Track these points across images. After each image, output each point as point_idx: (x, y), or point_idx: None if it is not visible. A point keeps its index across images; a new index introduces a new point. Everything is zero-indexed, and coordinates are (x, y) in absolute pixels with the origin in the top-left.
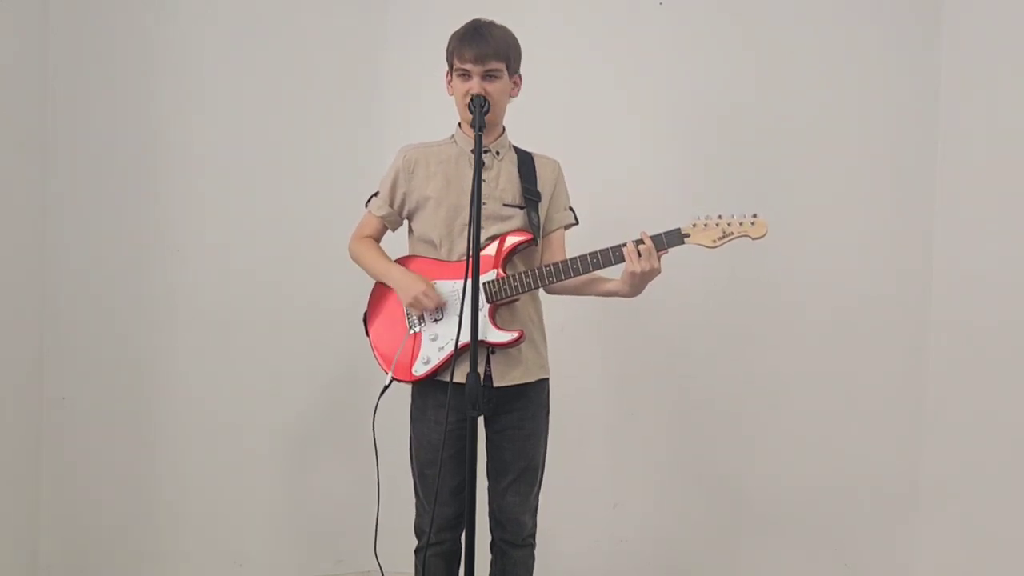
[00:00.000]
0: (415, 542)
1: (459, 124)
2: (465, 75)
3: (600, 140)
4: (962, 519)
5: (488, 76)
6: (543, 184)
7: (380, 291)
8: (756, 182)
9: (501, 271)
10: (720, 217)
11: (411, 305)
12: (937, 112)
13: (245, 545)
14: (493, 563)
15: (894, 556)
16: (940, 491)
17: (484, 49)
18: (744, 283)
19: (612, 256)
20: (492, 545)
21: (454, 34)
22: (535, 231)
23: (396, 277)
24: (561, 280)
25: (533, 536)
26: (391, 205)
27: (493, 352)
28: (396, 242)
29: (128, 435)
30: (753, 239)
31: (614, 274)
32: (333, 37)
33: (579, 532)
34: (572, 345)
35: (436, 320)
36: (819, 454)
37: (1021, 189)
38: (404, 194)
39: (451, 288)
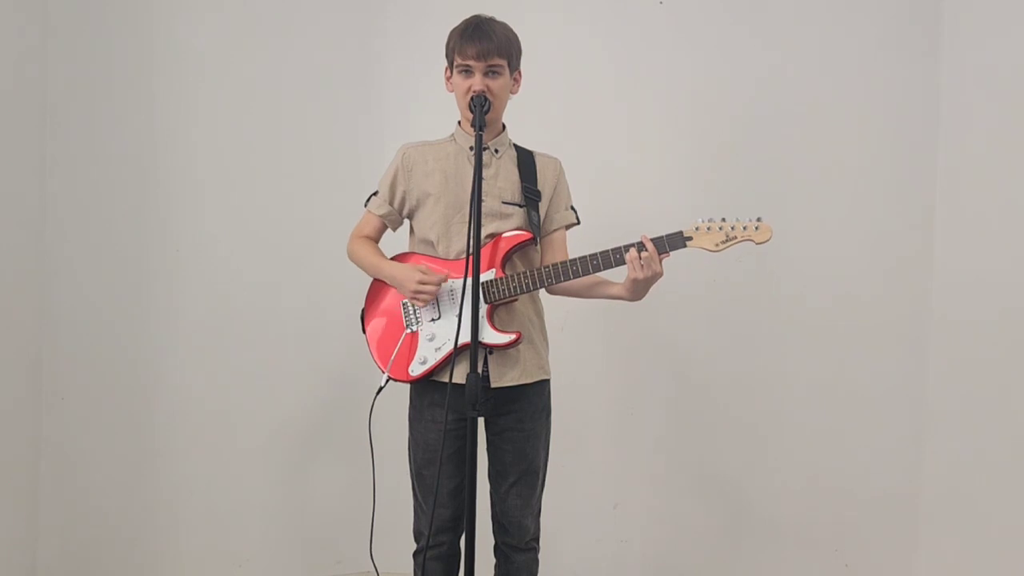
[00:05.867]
0: (414, 544)
1: (459, 121)
2: (467, 71)
3: (600, 139)
4: (963, 519)
5: (490, 72)
6: (543, 183)
7: (377, 288)
8: (756, 180)
9: (500, 271)
10: (724, 220)
11: (413, 299)
12: (937, 112)
13: (245, 545)
14: (497, 567)
15: (895, 556)
16: (941, 492)
17: (487, 45)
18: (745, 282)
19: (612, 259)
20: (495, 549)
21: (454, 30)
22: (534, 230)
23: (388, 273)
24: (560, 282)
25: (536, 540)
26: (391, 204)
27: (491, 353)
28: (395, 241)
29: (127, 435)
30: (757, 244)
31: (616, 275)
32: (333, 36)
33: (579, 533)
34: (572, 345)
35: (433, 320)
36: (820, 454)
37: (1021, 188)
38: (404, 192)
39: (448, 287)
